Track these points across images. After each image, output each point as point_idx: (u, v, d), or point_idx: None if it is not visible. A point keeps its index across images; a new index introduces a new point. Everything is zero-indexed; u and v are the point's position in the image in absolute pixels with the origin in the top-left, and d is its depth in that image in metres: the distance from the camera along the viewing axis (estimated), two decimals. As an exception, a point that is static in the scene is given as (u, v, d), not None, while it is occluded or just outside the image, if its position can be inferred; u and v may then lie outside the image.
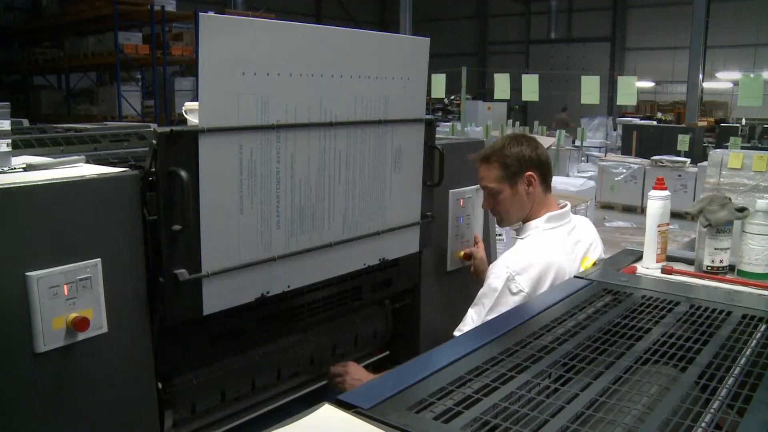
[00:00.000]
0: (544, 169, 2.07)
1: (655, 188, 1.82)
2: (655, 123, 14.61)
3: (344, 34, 1.69)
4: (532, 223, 2.05)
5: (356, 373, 1.91)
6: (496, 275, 1.92)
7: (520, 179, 2.01)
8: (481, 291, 1.94)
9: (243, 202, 1.51)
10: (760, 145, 9.93)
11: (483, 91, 20.52)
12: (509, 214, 2.07)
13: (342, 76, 1.67)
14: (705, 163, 6.36)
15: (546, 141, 11.21)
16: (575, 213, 7.71)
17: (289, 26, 1.55)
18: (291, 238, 1.64)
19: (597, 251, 2.11)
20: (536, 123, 13.48)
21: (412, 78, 1.88)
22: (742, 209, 1.70)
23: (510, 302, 1.84)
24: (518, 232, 2.10)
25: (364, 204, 1.83)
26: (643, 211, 8.22)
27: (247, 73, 1.45)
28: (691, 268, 1.78)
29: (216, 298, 1.50)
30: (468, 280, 2.40)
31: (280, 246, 1.61)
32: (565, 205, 2.11)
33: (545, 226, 2.03)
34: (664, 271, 1.76)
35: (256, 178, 1.53)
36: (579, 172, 11.11)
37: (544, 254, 1.94)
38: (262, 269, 1.59)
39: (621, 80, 7.14)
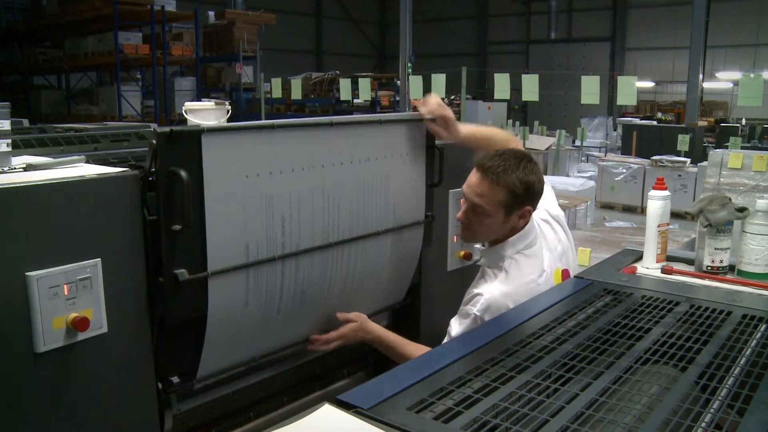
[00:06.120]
0: (537, 201, 1.88)
1: (655, 188, 1.82)
2: (655, 123, 14.60)
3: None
4: (505, 252, 1.85)
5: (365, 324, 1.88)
6: (472, 308, 1.78)
7: (517, 210, 1.80)
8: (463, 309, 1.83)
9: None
10: (760, 145, 9.92)
11: (483, 91, 20.50)
12: (485, 236, 1.89)
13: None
14: (705, 163, 6.36)
15: (546, 141, 11.23)
16: (575, 212, 7.60)
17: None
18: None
19: (567, 255, 1.99)
20: (536, 123, 13.49)
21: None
22: (742, 209, 1.70)
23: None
24: (488, 260, 1.90)
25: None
26: (643, 211, 8.21)
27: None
28: (691, 268, 1.78)
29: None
30: (468, 281, 2.40)
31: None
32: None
33: (513, 251, 1.84)
34: (664, 271, 1.76)
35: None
36: (579, 172, 11.12)
37: (523, 295, 1.72)
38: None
39: (621, 80, 7.11)
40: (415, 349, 1.84)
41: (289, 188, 1.60)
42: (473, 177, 1.81)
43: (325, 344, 1.86)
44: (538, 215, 1.99)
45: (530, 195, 1.80)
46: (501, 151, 1.82)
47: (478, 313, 1.75)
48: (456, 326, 1.81)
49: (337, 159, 1.72)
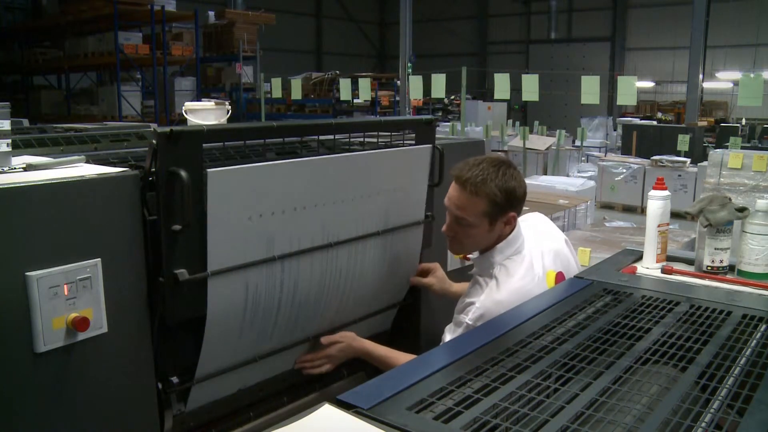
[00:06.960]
0: (522, 206, 1.85)
1: (655, 188, 1.82)
2: (655, 123, 14.60)
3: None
4: (494, 259, 1.83)
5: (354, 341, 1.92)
6: (465, 317, 1.78)
7: (501, 218, 1.77)
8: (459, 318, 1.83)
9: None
10: (760, 145, 9.92)
11: (483, 91, 20.51)
12: (472, 246, 1.88)
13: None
14: (705, 163, 6.36)
15: (546, 141, 11.23)
16: (575, 212, 7.57)
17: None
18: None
19: (562, 256, 1.95)
20: (536, 123, 13.48)
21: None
22: (742, 209, 1.70)
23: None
24: (479, 268, 1.89)
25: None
26: (643, 211, 8.21)
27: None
28: (691, 268, 1.78)
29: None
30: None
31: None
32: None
33: (502, 258, 1.83)
34: (664, 271, 1.76)
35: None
36: (579, 172, 11.10)
37: (515, 301, 1.66)
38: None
39: (621, 80, 7.11)
40: (405, 360, 1.84)
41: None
42: (453, 190, 1.79)
43: (313, 368, 1.89)
44: (533, 217, 1.99)
45: (512, 201, 1.77)
46: (479, 159, 1.80)
47: (470, 322, 1.75)
48: (449, 335, 1.81)
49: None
